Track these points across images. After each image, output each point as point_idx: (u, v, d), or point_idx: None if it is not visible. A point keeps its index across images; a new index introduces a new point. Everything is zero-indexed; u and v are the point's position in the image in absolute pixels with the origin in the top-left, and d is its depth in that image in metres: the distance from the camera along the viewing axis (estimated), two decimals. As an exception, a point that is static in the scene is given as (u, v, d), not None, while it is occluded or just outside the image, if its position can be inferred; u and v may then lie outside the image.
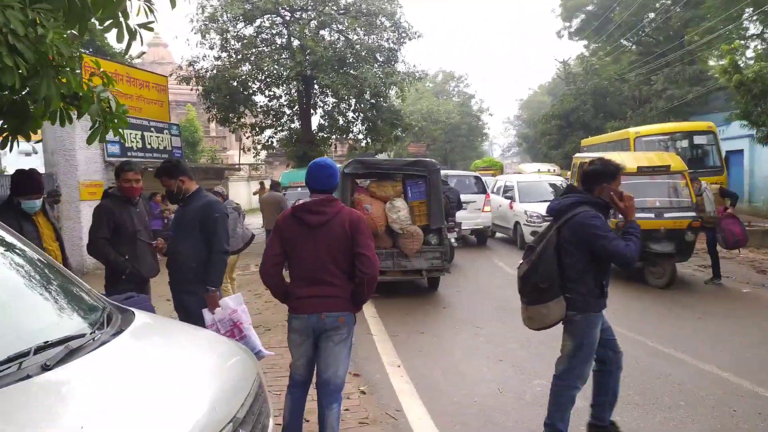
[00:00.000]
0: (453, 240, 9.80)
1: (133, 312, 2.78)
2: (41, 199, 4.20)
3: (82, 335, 2.29)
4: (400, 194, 8.25)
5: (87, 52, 14.53)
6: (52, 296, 2.56)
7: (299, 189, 13.71)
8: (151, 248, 4.29)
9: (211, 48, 17.22)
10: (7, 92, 3.59)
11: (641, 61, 26.05)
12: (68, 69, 3.62)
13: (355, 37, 18.01)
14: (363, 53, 17.65)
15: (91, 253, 4.20)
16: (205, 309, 4.05)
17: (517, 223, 13.25)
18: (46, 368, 1.96)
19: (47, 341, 2.09)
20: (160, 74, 15.69)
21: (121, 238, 4.19)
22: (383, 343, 5.92)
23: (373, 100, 17.84)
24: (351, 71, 17.13)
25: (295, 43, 17.25)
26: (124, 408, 1.92)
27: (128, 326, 2.54)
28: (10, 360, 1.91)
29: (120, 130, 4.29)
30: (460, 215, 13.21)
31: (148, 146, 13.61)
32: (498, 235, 15.20)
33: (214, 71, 17.11)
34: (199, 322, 4.05)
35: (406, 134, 21.99)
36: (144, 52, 19.24)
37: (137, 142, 13.24)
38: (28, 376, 1.88)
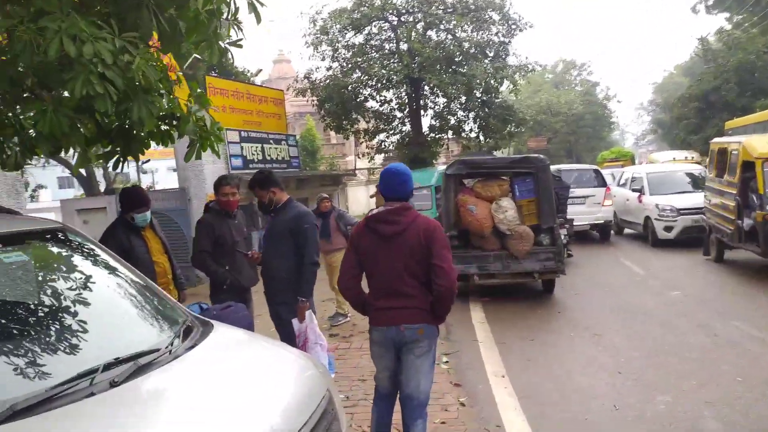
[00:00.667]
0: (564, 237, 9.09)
1: (212, 325, 2.83)
2: (150, 212, 4.51)
3: (156, 350, 2.35)
4: (507, 193, 7.85)
5: (213, 74, 15.71)
6: (134, 312, 2.67)
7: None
8: (247, 259, 4.42)
9: (323, 59, 17.82)
10: (106, 119, 3.85)
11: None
12: (158, 92, 3.82)
13: (463, 34, 17.67)
14: (472, 50, 17.25)
15: (195, 265, 4.44)
16: (295, 319, 4.10)
17: (647, 218, 12.13)
18: (114, 384, 2.01)
19: (118, 358, 2.15)
20: (277, 89, 16.55)
21: (222, 250, 4.36)
22: (489, 351, 5.62)
23: (483, 97, 17.37)
24: (460, 69, 16.82)
25: (403, 46, 17.30)
26: (184, 423, 1.92)
27: (204, 340, 2.58)
28: (79, 377, 1.98)
29: (217, 146, 4.47)
30: (578, 210, 12.76)
31: (268, 157, 14.35)
32: (627, 231, 14.00)
33: (327, 81, 17.66)
34: (292, 331, 4.12)
35: (522, 129, 21.11)
36: (261, 70, 20.41)
37: (258, 154, 14.03)
38: (92, 394, 1.93)
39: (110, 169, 21.84)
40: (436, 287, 2.92)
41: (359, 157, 21.53)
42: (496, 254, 7.58)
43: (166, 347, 2.41)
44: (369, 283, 3.13)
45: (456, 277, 2.96)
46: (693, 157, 21.13)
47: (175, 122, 4.42)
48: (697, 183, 12.34)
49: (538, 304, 7.55)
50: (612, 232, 14.07)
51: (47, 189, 35.88)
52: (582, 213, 13.02)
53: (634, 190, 13.04)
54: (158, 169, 42.45)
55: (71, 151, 4.38)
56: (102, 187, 24.35)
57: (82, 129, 3.69)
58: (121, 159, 4.48)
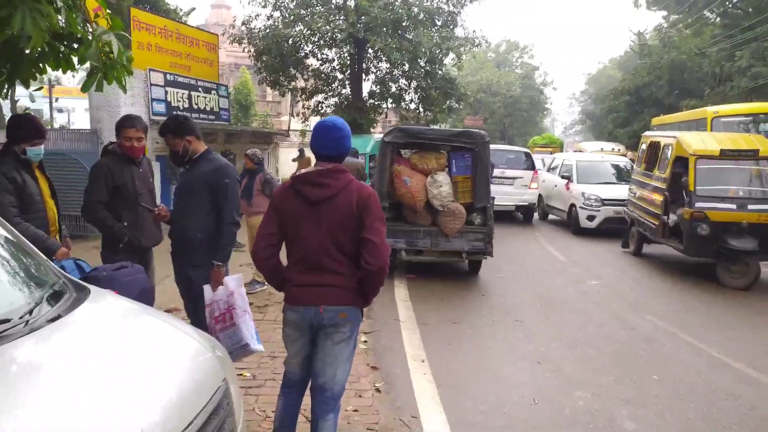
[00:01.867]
0: None
1: (88, 290, 2.34)
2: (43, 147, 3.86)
3: (5, 320, 1.86)
4: (443, 168, 7.59)
5: (143, 8, 14.37)
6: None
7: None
8: (152, 215, 3.87)
9: (264, 6, 16.75)
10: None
11: (725, 35, 23.82)
12: (52, 3, 3.17)
13: (414, -2, 17.13)
14: (420, 16, 16.76)
15: (86, 217, 3.82)
16: (208, 285, 3.62)
17: (572, 205, 12.28)
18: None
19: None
20: (211, 33, 15.39)
21: (121, 201, 3.78)
22: (410, 332, 5.39)
23: (427, 67, 17.01)
24: (406, 35, 16.33)
25: (351, 2, 16.55)
26: (29, 423, 1.47)
27: (74, 309, 2.10)
28: None
29: (124, 80, 3.85)
30: (505, 191, 13.17)
31: (195, 106, 13.38)
32: (551, 217, 14.23)
33: (267, 31, 16.66)
34: (201, 298, 3.65)
35: (462, 105, 21.00)
36: (194, 8, 18.98)
37: (184, 101, 13.02)
38: None
39: (7, 96, 19.75)
40: (364, 265, 2.54)
41: (293, 117, 20.68)
42: (426, 230, 7.35)
43: (21, 317, 1.92)
44: (288, 253, 2.72)
45: (388, 254, 2.59)
46: (620, 150, 21.89)
47: (75, 45, 3.77)
48: (622, 175, 12.64)
49: (463, 286, 7.42)
50: (536, 215, 14.34)
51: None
52: (509, 194, 13.23)
53: (563, 177, 13.19)
54: (75, 109, 39.37)
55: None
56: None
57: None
58: (7, 83, 3.80)
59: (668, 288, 7.65)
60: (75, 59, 3.78)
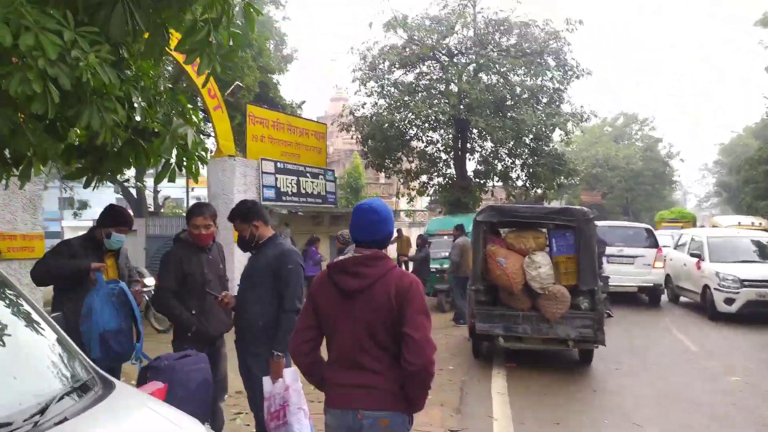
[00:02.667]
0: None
1: (114, 387, 2.21)
2: (125, 235, 4.02)
3: (8, 423, 1.74)
4: (543, 247, 7.03)
5: (263, 105, 15.66)
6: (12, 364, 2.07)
7: (445, 237, 12.94)
8: (217, 302, 3.80)
9: (370, 95, 17.55)
10: (61, 126, 3.38)
11: None
12: (126, 99, 3.34)
13: (516, 78, 17.08)
14: (524, 95, 16.60)
15: (155, 306, 3.85)
16: (267, 377, 3.43)
17: (706, 287, 10.84)
18: None
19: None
20: (320, 122, 16.31)
21: (189, 289, 3.78)
22: (503, 433, 4.75)
23: (532, 144, 16.58)
24: (509, 114, 16.18)
25: (453, 87, 16.85)
26: None
27: (84, 412, 1.95)
28: None
29: (196, 169, 3.96)
30: (625, 270, 12.08)
31: (303, 191, 13.99)
32: (683, 299, 12.62)
33: (372, 118, 17.35)
34: (260, 390, 3.45)
35: (574, 180, 20.09)
36: (304, 101, 20.33)
37: (292, 186, 13.68)
38: None
39: (89, 187, 22.04)
40: (404, 364, 2.20)
41: (398, 198, 20.96)
42: (525, 315, 6.73)
43: (27, 419, 1.80)
44: (327, 349, 2.44)
45: (433, 352, 2.23)
46: (760, 224, 19.50)
47: (153, 139, 3.96)
48: (765, 252, 11.28)
49: (571, 378, 6.59)
50: (663, 297, 12.86)
51: (92, 208, 36.71)
52: (630, 274, 12.09)
53: (692, 255, 11.84)
54: (201, 198, 43.41)
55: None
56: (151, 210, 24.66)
57: (30, 135, 3.24)
58: (93, 176, 4.05)
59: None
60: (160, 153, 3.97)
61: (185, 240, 3.90)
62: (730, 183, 37.68)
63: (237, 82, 13.15)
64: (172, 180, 3.92)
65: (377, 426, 2.26)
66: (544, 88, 16.84)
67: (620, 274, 11.83)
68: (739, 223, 18.89)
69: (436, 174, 18.50)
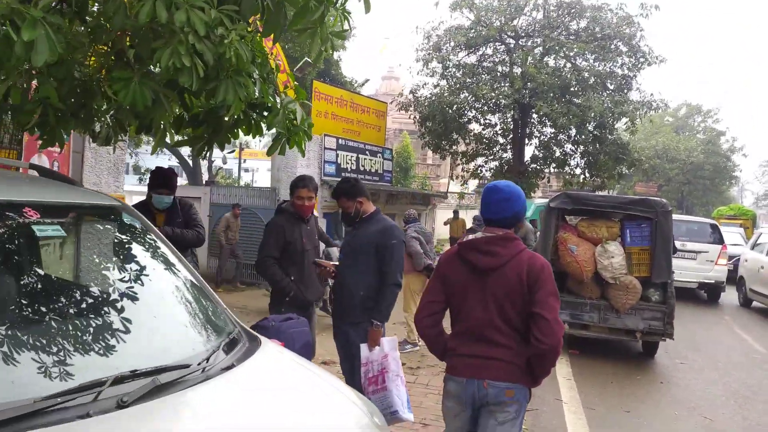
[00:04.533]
0: None
1: (260, 341, 2.42)
2: (171, 198, 4.24)
3: (186, 365, 1.95)
4: (616, 237, 6.98)
5: (323, 80, 15.87)
6: (174, 316, 2.30)
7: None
8: (320, 270, 4.02)
9: (432, 75, 17.47)
10: (193, 98, 3.62)
11: None
12: (250, 75, 3.54)
13: (584, 63, 16.67)
14: (591, 81, 16.22)
15: (259, 271, 4.09)
16: (365, 344, 3.62)
17: None
18: (121, 405, 1.62)
19: (136, 370, 1.77)
20: (381, 101, 16.42)
21: (290, 257, 4.00)
22: (575, 416, 4.85)
23: (596, 132, 16.22)
24: (574, 99, 15.84)
25: (517, 70, 16.60)
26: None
27: (246, 360, 2.16)
28: (81, 389, 1.60)
29: (304, 145, 4.15)
30: (687, 266, 11.86)
31: (362, 168, 14.19)
32: (757, 304, 11.79)
33: (432, 98, 17.30)
34: (357, 357, 3.65)
35: (634, 171, 19.59)
36: (368, 80, 20.45)
37: (352, 163, 13.90)
38: (88, 415, 1.54)
39: (205, 157, 22.56)
40: (534, 343, 2.33)
41: (452, 180, 20.92)
42: (593, 303, 6.75)
43: (199, 363, 2.01)
44: (452, 322, 2.60)
45: (562, 332, 2.35)
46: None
47: (265, 113, 4.16)
48: None
49: (635, 370, 6.61)
50: (731, 299, 12.48)
51: (156, 174, 37.87)
52: (692, 269, 11.82)
53: None
54: (258, 169, 44.17)
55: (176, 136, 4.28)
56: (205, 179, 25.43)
57: (166, 105, 3.48)
58: (207, 146, 4.29)
59: None
60: (264, 126, 4.18)
61: (287, 210, 4.12)
62: (796, 181, 35.94)
63: (306, 58, 13.33)
64: (282, 153, 4.13)
65: (502, 395, 2.41)
66: (613, 74, 16.36)
67: (681, 269, 11.58)
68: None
69: (492, 158, 18.37)
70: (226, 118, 3.94)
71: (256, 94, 3.87)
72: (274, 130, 4.03)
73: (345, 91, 15.30)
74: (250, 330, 2.58)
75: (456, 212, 17.34)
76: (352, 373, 3.74)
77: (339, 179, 13.37)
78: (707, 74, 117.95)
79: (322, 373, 2.38)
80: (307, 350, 3.70)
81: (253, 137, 4.09)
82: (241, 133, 4.30)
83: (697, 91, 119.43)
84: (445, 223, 17.52)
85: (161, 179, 4.28)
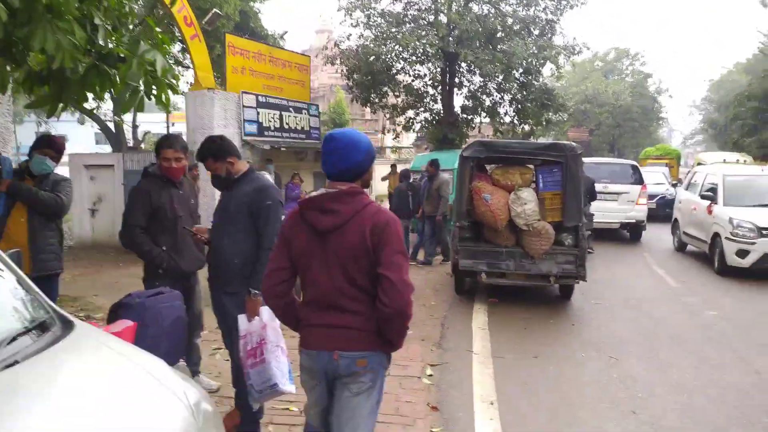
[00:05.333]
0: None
1: (74, 326, 2.10)
2: (53, 165, 4.01)
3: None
4: (529, 183, 6.94)
5: (244, 35, 14.98)
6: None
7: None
8: (193, 237, 3.68)
9: (356, 26, 16.84)
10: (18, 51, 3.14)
11: None
12: (86, 18, 3.09)
13: (508, 8, 16.43)
14: (515, 26, 16.02)
15: (123, 242, 3.70)
16: (243, 315, 3.34)
17: (716, 235, 9.06)
18: None
19: None
20: (303, 54, 15.72)
21: (159, 224, 3.64)
22: (482, 367, 4.80)
23: (522, 78, 16.17)
24: (500, 46, 15.66)
25: (443, 18, 16.19)
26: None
27: (38, 354, 1.84)
28: None
29: (166, 98, 3.73)
30: (609, 207, 12.13)
31: (286, 126, 13.63)
32: (691, 248, 10.87)
33: (358, 50, 16.73)
34: (235, 329, 3.38)
35: (562, 116, 19.81)
36: (286, 32, 19.52)
37: (275, 121, 13.31)
38: None
39: (53, 116, 21.33)
40: (380, 306, 2.11)
41: (384, 134, 20.59)
42: (509, 251, 6.71)
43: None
44: (303, 291, 2.35)
45: (410, 293, 2.14)
46: (746, 161, 19.58)
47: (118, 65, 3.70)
48: None
49: (551, 312, 6.68)
50: (666, 245, 12.73)
51: (69, 143, 35.63)
52: (614, 210, 12.13)
53: (704, 197, 9.92)
54: (183, 133, 42.41)
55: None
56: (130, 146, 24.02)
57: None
58: (56, 105, 3.81)
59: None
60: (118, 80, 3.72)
61: (154, 174, 3.73)
62: (717, 120, 37.57)
63: (215, 10, 12.48)
64: (140, 109, 3.73)
65: (354, 366, 2.20)
66: (537, 20, 16.25)
67: (603, 211, 11.83)
68: (725, 160, 18.90)
69: (422, 109, 18.10)
70: (69, 74, 3.47)
71: (101, 42, 3.41)
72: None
73: (263, 45, 14.50)
74: (68, 315, 2.24)
75: (393, 166, 17.08)
76: (231, 347, 3.48)
77: (261, 138, 12.78)
78: (630, 18, 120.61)
79: (146, 361, 2.08)
80: (178, 327, 3.39)
81: (102, 93, 3.64)
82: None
83: (624, 34, 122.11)
84: (383, 179, 17.28)
85: (46, 140, 3.98)
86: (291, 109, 14.00)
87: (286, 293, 2.32)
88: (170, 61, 3.53)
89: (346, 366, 2.20)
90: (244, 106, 12.25)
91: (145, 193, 3.61)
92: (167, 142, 3.68)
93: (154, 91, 3.66)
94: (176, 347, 3.41)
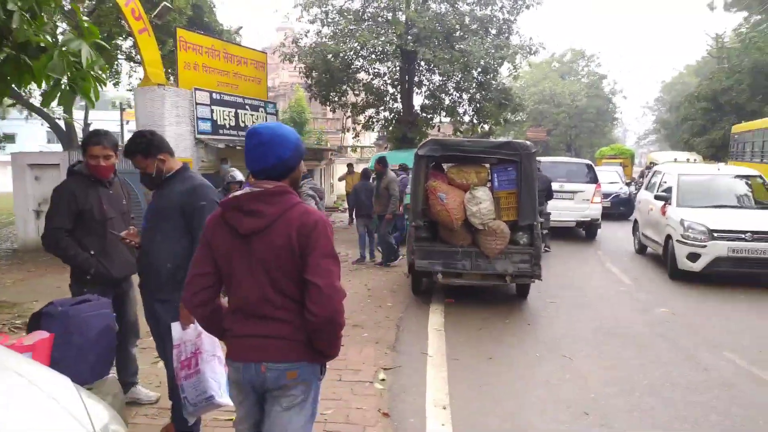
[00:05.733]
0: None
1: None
2: None
3: None
4: (485, 182, 6.90)
5: (197, 30, 14.53)
6: None
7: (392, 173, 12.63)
8: (124, 242, 3.43)
9: (313, 22, 16.59)
10: None
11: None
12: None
13: (466, 7, 16.48)
14: (473, 26, 16.06)
15: (47, 246, 3.42)
16: (177, 323, 3.13)
17: (668, 237, 8.68)
18: None
19: None
20: (260, 51, 15.38)
21: (87, 227, 3.39)
22: (436, 370, 4.70)
23: (480, 77, 16.24)
24: (458, 45, 15.68)
25: (401, 17, 16.11)
26: None
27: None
28: None
29: (94, 93, 3.48)
30: (565, 206, 12.26)
31: (242, 124, 13.29)
32: (650, 251, 10.43)
33: (316, 47, 16.48)
34: (169, 338, 3.16)
35: (520, 116, 20.04)
36: (241, 27, 19.10)
37: (230, 119, 12.98)
38: None
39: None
40: (309, 316, 1.96)
41: (344, 133, 20.40)
42: (465, 251, 6.65)
43: None
44: (228, 299, 2.17)
45: (340, 300, 1.99)
46: (695, 160, 20.23)
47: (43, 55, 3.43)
48: (748, 196, 9.16)
49: (508, 313, 6.64)
50: (600, 232, 13.04)
51: (18, 142, 33.88)
52: (570, 209, 12.28)
53: (658, 198, 9.60)
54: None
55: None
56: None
57: None
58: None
59: (754, 318, 6.55)
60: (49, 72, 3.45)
61: (80, 172, 3.47)
62: (669, 120, 38.74)
63: (165, 3, 12.04)
64: (64, 104, 3.46)
65: (283, 378, 2.04)
66: (494, 19, 16.35)
67: (560, 210, 11.96)
68: (675, 159, 19.47)
69: (382, 108, 17.98)
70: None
71: (14, 26, 3.13)
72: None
73: (217, 40, 14.12)
74: None
75: (350, 165, 16.90)
76: (166, 357, 3.27)
77: (215, 137, 12.39)
78: (586, 20, 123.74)
79: (49, 382, 1.87)
80: (106, 336, 3.17)
81: (20, 85, 3.37)
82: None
83: (578, 36, 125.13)
84: (341, 179, 17.09)
85: None
86: (247, 106, 13.69)
87: (209, 301, 2.14)
88: (96, 53, 3.27)
89: (275, 379, 2.04)
90: (197, 104, 11.88)
91: (69, 193, 3.35)
92: (95, 138, 3.43)
93: (80, 84, 3.40)
94: (105, 358, 3.20)
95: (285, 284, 2.00)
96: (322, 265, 1.96)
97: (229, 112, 12.97)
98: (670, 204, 9.05)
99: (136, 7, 10.70)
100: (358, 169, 17.37)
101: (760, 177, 9.47)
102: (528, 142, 7.00)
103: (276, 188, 2.04)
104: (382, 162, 9.70)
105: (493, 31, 16.43)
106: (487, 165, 7.18)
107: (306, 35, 17.08)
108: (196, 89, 11.87)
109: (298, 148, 2.11)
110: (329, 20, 16.55)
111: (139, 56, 13.38)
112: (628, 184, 19.23)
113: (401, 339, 5.52)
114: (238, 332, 2.08)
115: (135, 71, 18.78)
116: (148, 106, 10.98)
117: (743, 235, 7.73)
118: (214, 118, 12.43)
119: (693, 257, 8.03)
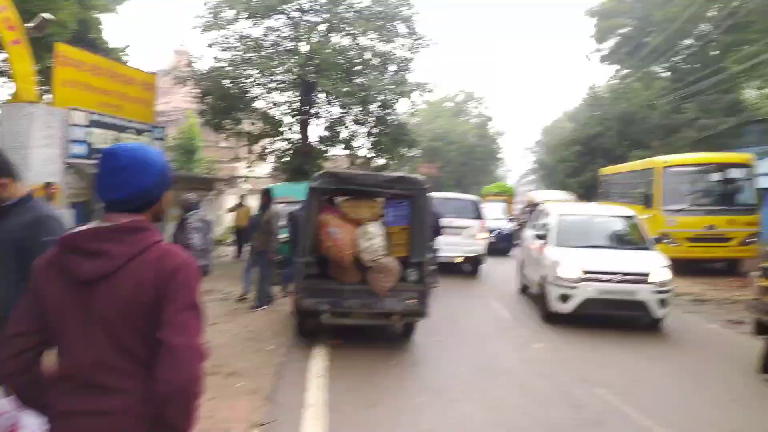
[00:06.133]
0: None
1: None
2: None
3: None
4: (378, 217, 6.84)
5: (82, 47, 13.50)
6: None
7: (283, 205, 12.33)
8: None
9: (210, 46, 16.11)
10: None
11: (673, 88, 24.50)
12: None
13: (368, 42, 16.84)
14: (374, 61, 16.41)
15: None
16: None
17: (543, 277, 8.52)
18: None
19: None
20: (148, 72, 14.59)
21: None
22: (314, 425, 4.40)
23: (379, 112, 16.58)
24: (358, 79, 15.91)
25: (304, 48, 16.08)
26: None
27: None
28: None
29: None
30: (454, 241, 12.48)
31: (124, 148, 12.38)
32: (531, 291, 9.91)
33: (212, 72, 15.97)
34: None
35: (415, 152, 20.65)
36: (128, 45, 18.19)
37: (110, 143, 12.05)
38: None
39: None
40: (158, 383, 1.60)
41: (236, 162, 19.85)
42: (354, 289, 6.51)
43: None
44: (58, 365, 1.77)
45: (198, 364, 1.64)
46: (570, 199, 21.85)
47: None
48: (621, 236, 9.12)
49: (393, 354, 6.54)
50: (485, 266, 13.44)
51: None
52: (457, 244, 12.58)
53: (539, 237, 9.56)
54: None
55: None
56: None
57: None
58: None
59: (620, 353, 6.95)
60: None
61: None
62: (547, 161, 41.74)
63: (43, 14, 11.08)
64: None
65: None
66: (393, 56, 16.84)
67: (448, 245, 12.18)
68: (550, 198, 20.85)
69: (279, 138, 17.71)
70: None
71: None
72: None
73: (102, 57, 13.23)
74: None
75: (243, 197, 16.33)
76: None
77: (90, 162, 11.43)
78: (475, 62, 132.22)
79: None
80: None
81: None
82: None
83: (468, 78, 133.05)
84: (230, 210, 16.44)
85: None
86: (133, 130, 12.85)
87: (27, 368, 1.73)
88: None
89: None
90: (71, 124, 10.94)
91: None
92: None
93: None
94: None
95: (132, 343, 1.65)
96: (180, 320, 1.62)
97: (109, 134, 12.06)
98: (548, 244, 8.88)
99: (12, 17, 9.74)
100: (250, 202, 16.86)
101: (634, 217, 9.41)
102: (422, 177, 7.09)
103: (131, 223, 1.67)
104: (266, 194, 9.33)
105: (393, 68, 16.88)
106: (381, 199, 7.16)
107: (201, 59, 16.54)
108: (72, 109, 10.95)
109: (163, 176, 1.78)
110: (228, 45, 16.16)
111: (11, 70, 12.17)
112: (510, 221, 20.33)
113: (280, 388, 5.19)
114: (63, 408, 1.69)
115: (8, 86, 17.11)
116: (14, 125, 9.95)
117: (612, 276, 7.70)
118: (91, 141, 11.49)
119: (564, 298, 7.88)
